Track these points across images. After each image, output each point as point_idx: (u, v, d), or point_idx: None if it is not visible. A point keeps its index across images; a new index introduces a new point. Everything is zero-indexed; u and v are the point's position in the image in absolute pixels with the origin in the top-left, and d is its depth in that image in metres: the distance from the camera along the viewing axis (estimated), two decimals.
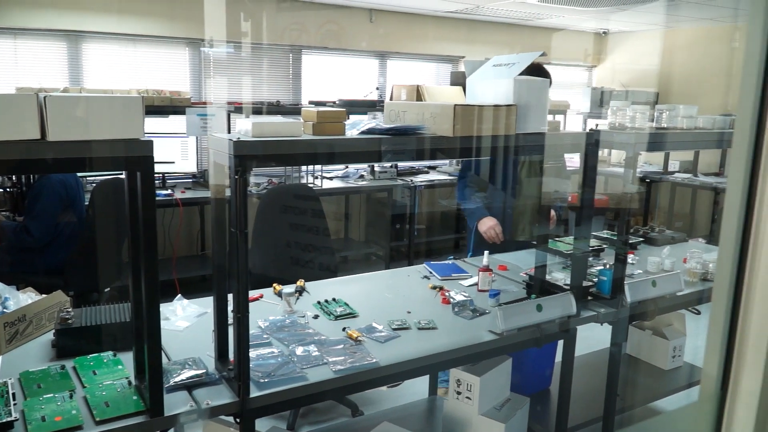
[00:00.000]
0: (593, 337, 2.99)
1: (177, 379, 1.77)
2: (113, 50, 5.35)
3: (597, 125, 2.72)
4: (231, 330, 1.78)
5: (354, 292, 2.65)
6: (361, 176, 5.92)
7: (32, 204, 3.44)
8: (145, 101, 4.54)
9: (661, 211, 6.52)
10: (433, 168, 6.63)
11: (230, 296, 1.81)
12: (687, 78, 6.78)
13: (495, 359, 2.49)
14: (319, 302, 2.41)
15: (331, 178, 5.85)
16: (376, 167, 5.94)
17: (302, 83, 6.14)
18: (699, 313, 3.66)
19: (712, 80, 6.30)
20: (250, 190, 4.98)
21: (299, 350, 1.98)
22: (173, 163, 4.93)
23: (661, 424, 1.08)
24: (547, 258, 2.63)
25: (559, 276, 2.71)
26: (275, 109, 5.42)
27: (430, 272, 2.87)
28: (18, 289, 2.25)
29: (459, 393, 2.48)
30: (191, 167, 5.06)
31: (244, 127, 1.68)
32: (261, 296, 2.49)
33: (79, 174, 3.85)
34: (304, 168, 5.67)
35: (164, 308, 2.29)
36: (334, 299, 2.45)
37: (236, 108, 5.26)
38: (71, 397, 1.67)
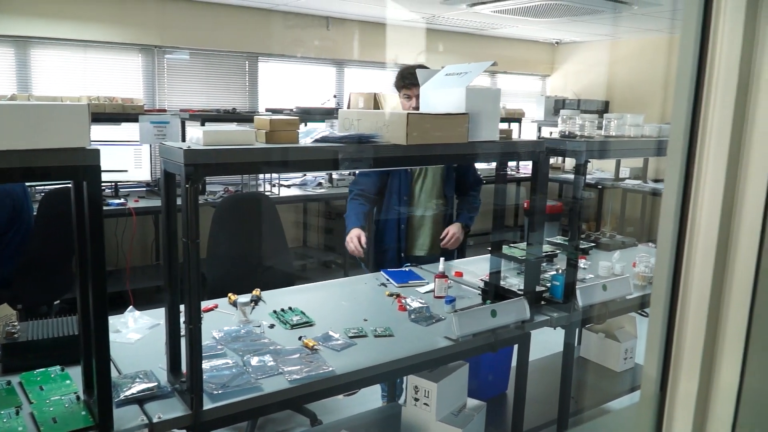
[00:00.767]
0: (549, 341, 3.05)
1: (128, 392, 1.72)
2: (64, 56, 5.22)
3: (551, 133, 2.78)
4: (184, 341, 1.75)
5: (311, 301, 2.63)
6: (320, 184, 5.90)
7: None
8: (97, 108, 4.46)
9: (613, 217, 6.69)
10: None
11: (183, 307, 1.78)
12: (635, 87, 7.00)
13: (452, 365, 2.51)
14: (275, 311, 2.39)
15: (288, 186, 5.81)
16: (335, 175, 5.93)
17: (259, 90, 6.10)
18: (648, 315, 3.77)
19: (658, 89, 6.52)
20: (205, 198, 4.92)
21: (254, 360, 1.96)
22: (126, 171, 4.82)
23: (604, 424, 1.11)
24: (501, 264, 2.67)
25: (514, 281, 2.75)
26: (231, 116, 5.36)
27: (387, 279, 2.88)
28: None
29: (417, 399, 2.49)
30: (145, 176, 4.97)
31: (196, 135, 1.66)
32: (215, 306, 2.45)
33: (27, 183, 3.73)
34: (261, 176, 5.62)
35: (115, 320, 2.24)
36: (290, 308, 2.44)
37: (191, 115, 5.18)
38: (17, 413, 1.62)
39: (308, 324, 2.32)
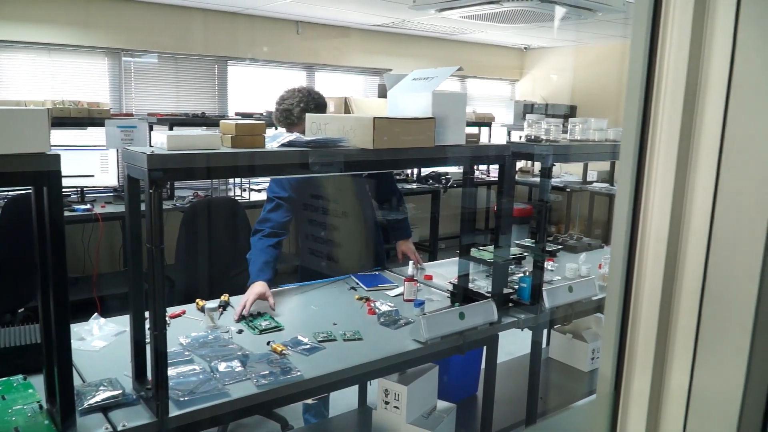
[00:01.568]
0: (518, 343, 3.09)
1: (92, 401, 1.70)
2: (28, 60, 5.12)
3: (521, 137, 2.83)
4: (149, 348, 1.73)
5: (280, 305, 2.62)
6: None
7: None
8: (62, 113, 4.37)
9: (581, 219, 6.80)
10: None
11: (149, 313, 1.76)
12: (601, 91, 7.12)
13: (422, 368, 2.53)
14: (243, 316, 2.38)
15: (259, 191, 5.77)
16: None
17: (228, 94, 6.06)
18: None
19: (622, 94, 6.64)
20: (174, 203, 4.87)
21: (222, 366, 1.95)
22: (93, 176, 4.74)
23: (562, 421, 1.14)
24: (470, 267, 2.69)
25: (482, 284, 2.78)
26: (200, 120, 5.32)
27: (357, 283, 2.89)
28: None
29: (387, 403, 2.50)
30: (112, 181, 4.89)
31: (159, 140, 1.65)
32: (183, 312, 2.43)
33: None
34: (231, 180, 5.58)
35: (79, 328, 2.21)
36: (259, 313, 2.43)
37: (159, 119, 5.12)
38: None
39: (277, 329, 2.31)
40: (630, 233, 0.88)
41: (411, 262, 2.73)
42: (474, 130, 7.09)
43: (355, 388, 3.09)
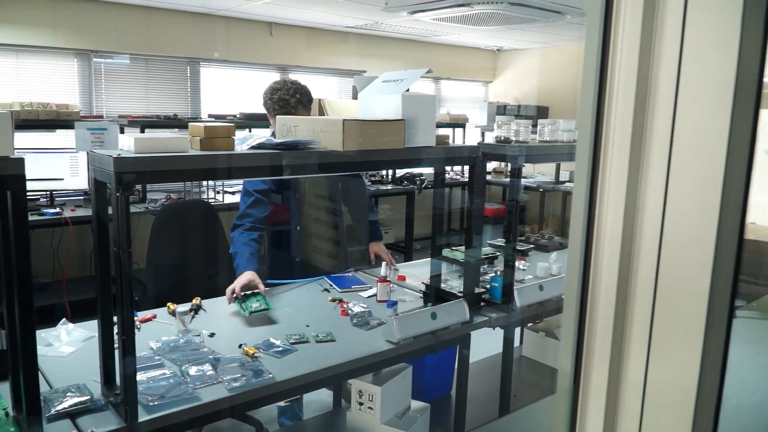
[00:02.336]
0: (493, 341, 3.11)
1: (59, 407, 1.68)
2: None
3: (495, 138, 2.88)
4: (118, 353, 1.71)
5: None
6: None
7: None
8: (30, 115, 4.29)
9: (554, 219, 6.88)
10: None
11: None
12: (571, 93, 7.22)
13: (395, 368, 2.54)
14: (236, 297, 2.43)
15: (233, 193, 5.74)
16: None
17: (201, 96, 6.01)
18: None
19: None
20: (146, 206, 4.81)
21: (193, 370, 1.94)
22: (62, 180, 4.67)
23: (524, 416, 1.16)
24: (442, 267, 2.71)
25: (455, 284, 2.80)
26: (172, 122, 5.27)
27: (331, 285, 2.89)
28: None
29: (361, 403, 2.50)
30: (82, 184, 4.81)
31: (127, 143, 1.64)
32: (154, 316, 2.41)
33: None
34: (205, 183, 5.54)
35: (47, 333, 2.18)
36: (253, 293, 2.48)
37: (130, 122, 5.07)
38: None
39: (266, 309, 2.37)
40: (586, 232, 0.90)
41: (384, 263, 2.75)
42: (446, 131, 7.12)
43: (330, 389, 3.10)
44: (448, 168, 6.59)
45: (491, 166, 7.23)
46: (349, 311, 2.49)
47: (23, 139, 4.82)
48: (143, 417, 1.66)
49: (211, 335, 2.25)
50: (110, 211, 1.65)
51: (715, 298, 0.81)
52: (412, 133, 2.09)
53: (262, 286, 2.50)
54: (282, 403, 2.98)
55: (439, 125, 6.87)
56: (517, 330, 3.60)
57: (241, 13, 5.75)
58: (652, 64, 0.82)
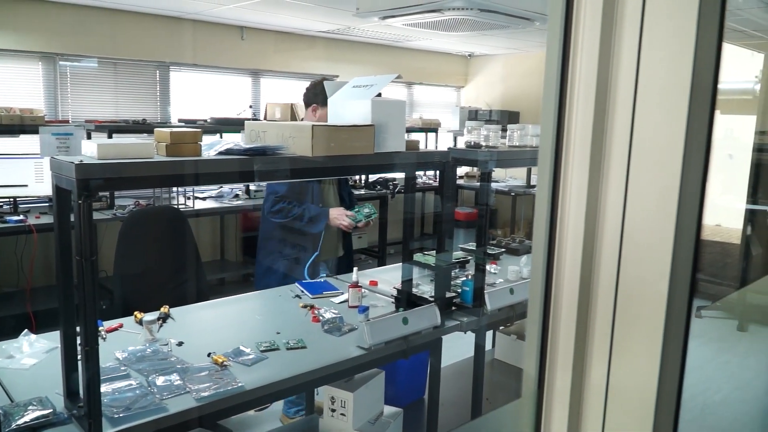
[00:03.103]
0: (466, 345, 3.12)
1: (20, 421, 1.63)
2: None
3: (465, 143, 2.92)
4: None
5: (223, 316, 2.59)
6: (236, 195, 5.80)
7: None
8: None
9: (526, 223, 6.94)
10: None
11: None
12: (541, 98, 7.29)
13: (368, 373, 2.53)
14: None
15: (204, 198, 5.68)
16: (252, 186, 5.85)
17: (171, 101, 5.94)
18: None
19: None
20: (114, 212, 4.73)
21: (160, 380, 1.90)
22: (26, 186, 4.56)
23: (491, 420, 1.16)
24: (413, 272, 2.71)
25: (426, 289, 2.81)
26: (141, 127, 5.19)
27: (302, 291, 2.87)
28: None
29: (333, 410, 2.49)
30: (47, 190, 4.71)
31: (90, 149, 1.60)
32: (120, 326, 2.36)
33: None
34: (174, 189, 5.47)
35: (8, 345, 2.12)
36: (357, 210, 3.00)
37: (97, 126, 4.98)
38: None
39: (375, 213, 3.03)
40: (549, 236, 0.90)
41: (355, 269, 2.74)
42: (418, 136, 7.12)
43: (302, 396, 3.07)
44: (420, 173, 6.61)
45: (464, 170, 7.28)
46: (321, 317, 2.48)
47: None
48: (108, 430, 1.63)
49: (180, 344, 2.22)
50: (73, 218, 1.61)
51: (673, 300, 0.82)
52: (382, 139, 2.09)
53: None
54: (251, 412, 2.94)
55: (412, 130, 6.89)
56: (490, 333, 3.62)
57: (211, 16, 5.70)
58: (611, 70, 0.83)
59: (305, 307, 2.65)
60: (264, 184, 5.90)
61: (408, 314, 2.36)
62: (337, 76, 6.93)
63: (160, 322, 2.36)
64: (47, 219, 4.45)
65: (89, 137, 4.80)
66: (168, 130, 1.73)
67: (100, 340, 2.16)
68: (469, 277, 2.74)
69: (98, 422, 1.59)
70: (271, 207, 3.16)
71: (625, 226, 0.83)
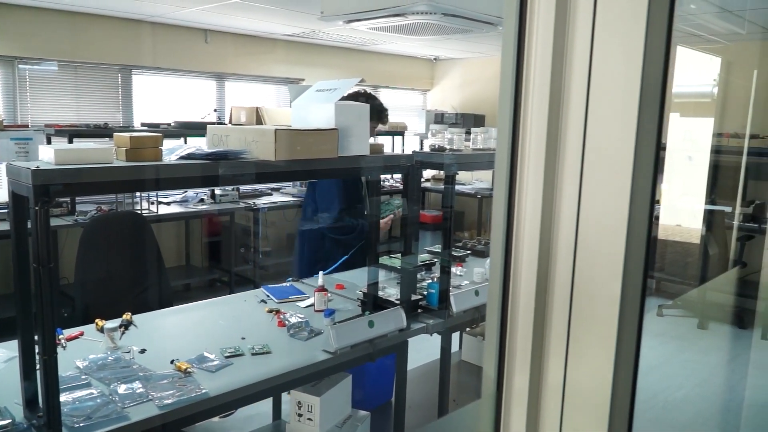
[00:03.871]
0: (433, 347, 3.14)
1: None
2: None
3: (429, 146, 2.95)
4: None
5: (186, 322, 2.56)
6: (201, 200, 5.73)
7: None
8: None
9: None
10: (276, 190, 6.59)
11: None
12: None
13: (334, 378, 2.53)
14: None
15: (168, 203, 5.60)
16: (217, 191, 5.79)
17: (134, 104, 5.84)
18: None
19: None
20: (75, 218, 4.63)
21: (122, 388, 1.87)
22: None
23: (452, 420, 1.17)
24: (379, 275, 2.72)
25: (393, 291, 2.82)
26: (102, 131, 5.09)
27: (268, 296, 2.86)
28: None
29: (300, 415, 2.48)
30: (4, 197, 4.58)
31: (47, 154, 1.57)
32: (81, 334, 2.32)
33: None
34: (138, 193, 5.37)
35: None
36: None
37: (57, 131, 4.87)
38: None
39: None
40: (505, 239, 0.92)
41: (320, 273, 2.73)
42: (385, 139, 7.11)
43: (269, 403, 3.05)
44: (387, 176, 6.63)
45: (430, 173, 7.32)
46: (286, 322, 2.47)
47: None
48: None
49: (142, 351, 2.18)
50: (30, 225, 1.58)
51: (626, 300, 0.84)
52: (346, 142, 2.10)
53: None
54: (216, 419, 2.91)
55: (379, 133, 6.91)
56: (456, 335, 3.65)
57: (175, 19, 5.63)
58: (564, 76, 0.85)
59: (271, 311, 2.63)
60: (230, 188, 5.86)
61: (374, 317, 2.37)
62: (302, 80, 6.91)
63: (122, 329, 2.32)
64: (4, 226, 4.32)
65: (49, 142, 4.69)
66: (128, 134, 1.71)
67: (60, 349, 2.12)
68: (435, 279, 2.76)
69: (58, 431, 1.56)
70: (333, 223, 3.19)
71: (579, 228, 0.85)
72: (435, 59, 8.34)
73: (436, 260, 3.32)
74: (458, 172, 2.51)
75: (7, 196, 4.61)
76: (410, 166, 2.36)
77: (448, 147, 2.62)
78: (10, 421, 1.65)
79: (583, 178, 0.84)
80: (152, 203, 5.33)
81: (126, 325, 2.37)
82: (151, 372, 1.99)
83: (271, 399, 2.92)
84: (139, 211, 5.03)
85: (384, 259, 3.04)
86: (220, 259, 6.09)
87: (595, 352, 0.86)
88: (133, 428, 1.71)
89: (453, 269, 3.20)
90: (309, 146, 1.96)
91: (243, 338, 2.32)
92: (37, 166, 1.49)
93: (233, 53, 6.42)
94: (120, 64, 5.69)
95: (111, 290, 2.99)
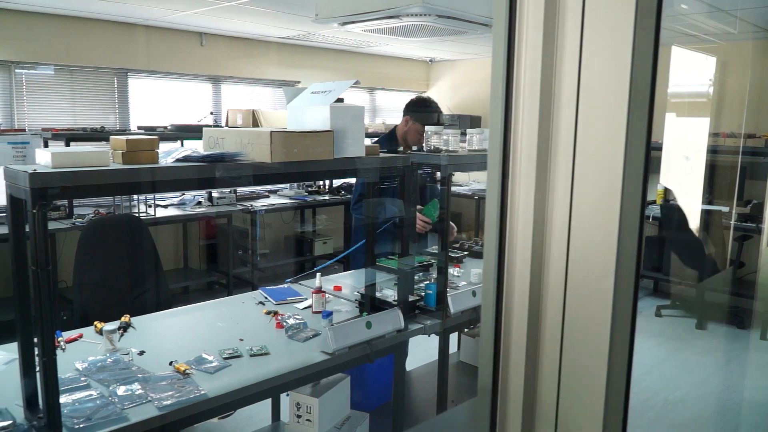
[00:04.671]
0: (432, 348, 3.15)
1: None
2: None
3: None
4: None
5: (185, 324, 2.57)
6: (199, 203, 5.74)
7: None
8: None
9: None
10: (274, 192, 6.60)
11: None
12: None
13: (333, 379, 2.54)
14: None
15: (166, 206, 5.60)
16: (214, 193, 5.80)
17: (130, 108, 5.84)
18: None
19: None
20: (72, 222, 4.64)
21: (121, 390, 1.88)
22: None
23: (450, 417, 1.18)
24: (376, 276, 2.73)
25: (390, 293, 2.83)
26: (99, 135, 5.10)
27: (266, 297, 2.86)
28: None
29: (299, 416, 2.49)
30: (2, 200, 4.59)
31: (44, 158, 1.58)
32: (80, 336, 2.32)
33: None
34: (135, 196, 5.38)
35: None
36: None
37: (54, 135, 4.87)
38: None
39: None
40: (499, 238, 0.93)
41: (318, 274, 2.74)
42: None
43: (269, 404, 3.06)
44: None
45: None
46: (284, 323, 2.48)
47: None
48: None
49: (141, 353, 2.19)
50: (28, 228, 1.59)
51: (619, 299, 0.85)
52: (342, 144, 2.11)
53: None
54: (215, 420, 2.91)
55: (375, 135, 6.93)
56: (455, 336, 3.66)
57: (170, 23, 5.64)
58: (554, 76, 0.86)
59: (269, 313, 2.64)
60: (227, 190, 5.87)
61: (371, 318, 2.38)
62: (298, 82, 6.92)
63: (120, 331, 2.33)
64: (2, 230, 4.33)
65: (46, 146, 4.69)
66: (124, 137, 1.72)
67: (60, 351, 2.12)
68: (432, 280, 2.77)
69: None
70: (354, 203, 3.32)
71: (571, 228, 0.86)
72: (431, 61, 8.36)
73: (433, 261, 3.32)
74: (454, 173, 2.51)
75: (3, 201, 4.62)
76: (406, 167, 2.37)
77: (443, 148, 2.63)
78: (11, 422, 1.66)
79: (574, 178, 0.85)
80: (149, 206, 5.33)
81: (124, 328, 2.38)
82: (150, 373, 2.00)
83: (269, 400, 2.92)
84: (136, 214, 5.04)
85: (381, 261, 3.05)
86: (217, 262, 6.09)
87: (589, 349, 0.87)
88: (133, 429, 1.72)
89: (450, 270, 3.20)
90: (305, 148, 1.97)
91: (241, 340, 2.33)
92: (35, 170, 1.49)
93: (228, 56, 6.43)
94: (116, 67, 5.69)
95: (109, 293, 2.99)
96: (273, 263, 6.46)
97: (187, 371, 2.01)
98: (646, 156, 0.83)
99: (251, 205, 5.84)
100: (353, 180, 6.49)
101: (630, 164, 0.82)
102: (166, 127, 5.49)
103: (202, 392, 1.88)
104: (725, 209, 5.40)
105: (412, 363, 3.39)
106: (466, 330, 3.57)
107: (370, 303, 2.60)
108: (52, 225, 4.39)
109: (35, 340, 1.68)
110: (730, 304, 5.13)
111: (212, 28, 5.94)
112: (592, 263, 0.86)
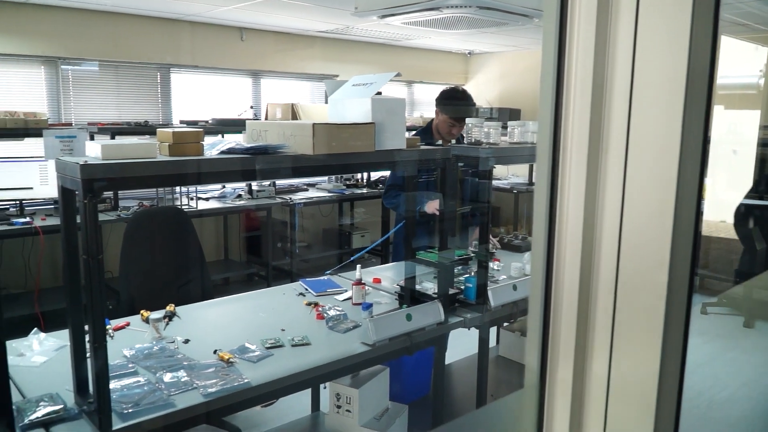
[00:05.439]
0: (471, 342, 3.14)
1: (32, 416, 1.66)
2: None
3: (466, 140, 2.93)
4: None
5: (228, 314, 2.61)
6: (239, 196, 5.82)
7: None
8: None
9: (528, 220, 6.95)
10: (312, 185, 6.65)
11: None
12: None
13: (373, 370, 2.55)
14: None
15: (207, 199, 5.70)
16: (254, 186, 5.87)
17: (172, 102, 5.96)
18: None
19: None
20: (118, 213, 4.76)
21: (167, 377, 1.93)
22: (32, 189, 4.59)
23: (495, 410, 1.18)
24: (416, 269, 2.73)
25: (429, 285, 2.82)
26: (143, 129, 5.21)
27: (306, 289, 2.89)
28: None
29: (339, 407, 2.51)
30: (52, 192, 4.73)
31: (94, 150, 1.62)
32: (127, 324, 2.39)
33: None
34: (178, 189, 5.49)
35: (18, 344, 2.15)
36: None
37: (100, 129, 5.00)
38: None
39: None
40: (548, 232, 0.92)
41: (358, 266, 2.76)
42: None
43: (308, 394, 3.09)
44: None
45: None
46: (325, 314, 2.50)
47: None
48: (117, 425, 1.65)
49: (186, 342, 2.24)
50: (79, 219, 1.64)
51: (673, 292, 0.83)
52: (383, 136, 2.11)
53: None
54: (258, 408, 2.96)
55: (413, 128, 6.92)
56: (494, 330, 3.64)
57: (211, 18, 5.72)
58: (606, 65, 0.84)
59: (309, 304, 2.67)
60: (267, 183, 5.94)
61: (411, 311, 2.38)
62: (337, 76, 6.94)
63: (166, 320, 2.38)
64: (53, 221, 4.47)
65: (92, 139, 4.81)
66: (170, 130, 1.75)
67: (108, 338, 2.18)
68: (472, 273, 2.76)
69: (108, 417, 1.61)
70: (385, 193, 3.40)
71: (623, 220, 0.84)
72: (469, 53, 8.29)
73: (472, 255, 3.30)
74: (495, 166, 2.49)
75: (52, 193, 4.76)
76: (446, 160, 2.36)
77: (484, 141, 2.61)
78: (61, 406, 1.71)
79: (627, 170, 0.83)
80: (191, 199, 5.43)
81: (170, 316, 2.43)
82: (195, 361, 2.05)
83: (309, 390, 2.95)
84: (179, 207, 5.14)
85: (420, 254, 3.04)
86: (258, 254, 6.18)
87: (641, 343, 0.85)
88: (178, 415, 1.76)
89: (490, 264, 3.18)
90: (346, 140, 1.98)
91: (283, 330, 2.36)
92: (85, 161, 1.54)
93: (268, 51, 6.49)
94: (159, 63, 5.81)
95: (154, 283, 3.06)
96: (311, 256, 6.52)
97: (231, 360, 2.05)
98: (703, 149, 0.81)
99: (290, 198, 5.90)
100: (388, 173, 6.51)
101: (686, 157, 0.79)
102: (207, 121, 5.58)
103: (246, 380, 1.91)
104: None
105: (450, 357, 3.38)
106: (505, 324, 3.54)
107: (409, 295, 2.60)
108: (98, 217, 4.52)
109: (86, 327, 1.73)
110: None
111: (252, 22, 6.00)
112: (645, 258, 0.84)
